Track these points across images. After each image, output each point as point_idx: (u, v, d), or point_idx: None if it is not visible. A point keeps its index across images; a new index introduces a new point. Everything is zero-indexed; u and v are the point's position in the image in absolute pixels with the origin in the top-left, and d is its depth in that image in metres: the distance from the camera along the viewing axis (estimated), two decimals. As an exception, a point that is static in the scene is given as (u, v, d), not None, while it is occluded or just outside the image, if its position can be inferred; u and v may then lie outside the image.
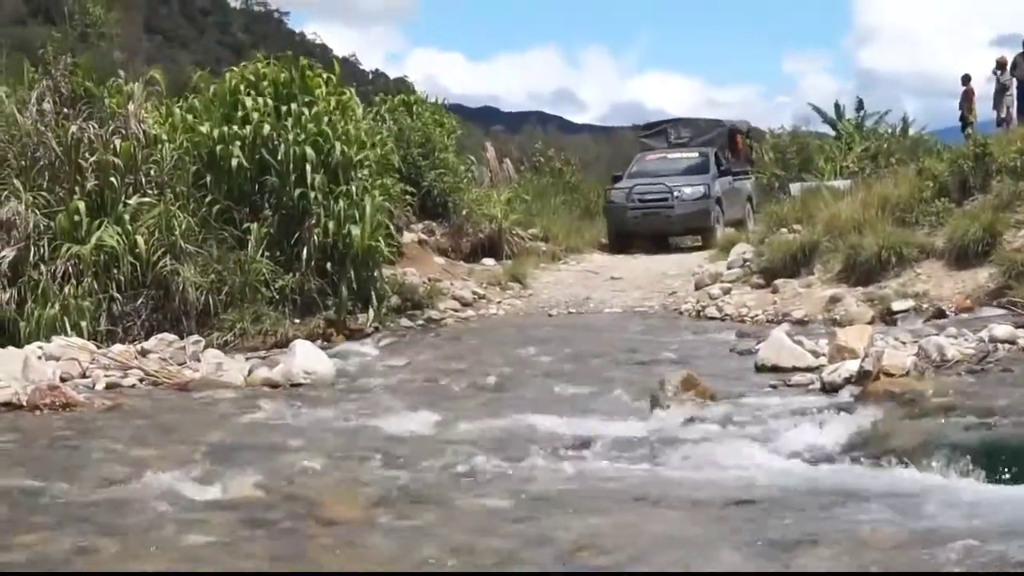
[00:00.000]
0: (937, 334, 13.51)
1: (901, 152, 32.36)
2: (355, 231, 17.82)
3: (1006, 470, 7.69)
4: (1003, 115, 28.58)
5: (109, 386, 12.64)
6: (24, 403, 11.12)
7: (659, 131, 34.36)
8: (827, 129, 40.74)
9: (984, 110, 30.40)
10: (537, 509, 7.51)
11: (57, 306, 14.92)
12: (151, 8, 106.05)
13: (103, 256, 15.72)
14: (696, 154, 30.83)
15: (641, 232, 28.35)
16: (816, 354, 13.35)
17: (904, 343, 13.50)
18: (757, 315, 19.05)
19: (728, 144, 32.87)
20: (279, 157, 17.94)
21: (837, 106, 40.59)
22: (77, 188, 16.32)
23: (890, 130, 38.83)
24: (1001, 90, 28.98)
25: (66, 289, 15.19)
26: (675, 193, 27.93)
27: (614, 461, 8.79)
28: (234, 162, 17.72)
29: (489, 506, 7.63)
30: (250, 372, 13.38)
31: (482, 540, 6.80)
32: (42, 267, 15.40)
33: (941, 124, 38.34)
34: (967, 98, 30.06)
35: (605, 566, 6.24)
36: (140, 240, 15.97)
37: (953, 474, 7.74)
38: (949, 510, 6.98)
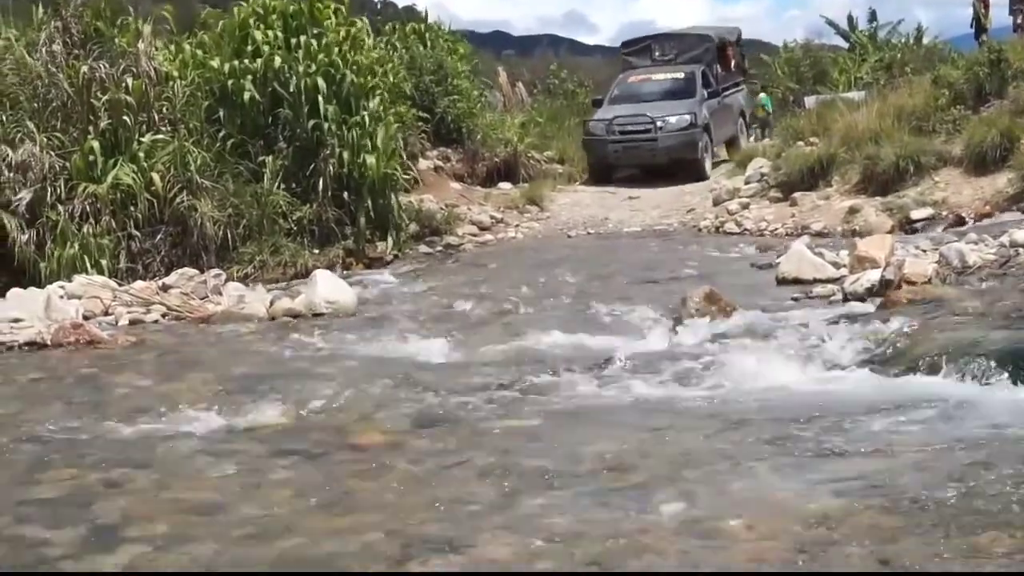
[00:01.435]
0: (957, 241, 13.50)
1: (915, 61, 32.15)
2: (370, 160, 17.79)
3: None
4: (1019, 21, 28.24)
5: (132, 322, 12.69)
6: (48, 342, 11.17)
7: (643, 47, 31.03)
8: (840, 41, 40.53)
9: (999, 17, 30.08)
10: (564, 428, 7.54)
11: (76, 245, 14.97)
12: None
13: (120, 194, 15.75)
14: (682, 74, 27.94)
15: (623, 165, 26.28)
16: (837, 265, 13.35)
17: (925, 251, 13.53)
18: (776, 229, 19.05)
19: (718, 57, 29.95)
20: (291, 89, 17.91)
21: (850, 18, 40.35)
22: (91, 128, 16.32)
23: (904, 40, 38.60)
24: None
25: (84, 228, 15.23)
26: (658, 123, 25.47)
27: (639, 378, 8.79)
28: (246, 96, 17.69)
29: (515, 426, 7.65)
30: (272, 303, 13.39)
31: (509, 460, 6.82)
32: (59, 207, 15.43)
33: (955, 32, 37.98)
34: (984, 3, 29.62)
35: (634, 484, 6.25)
36: (156, 177, 15.98)
37: (978, 380, 7.71)
38: (975, 415, 6.99)
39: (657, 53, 30.06)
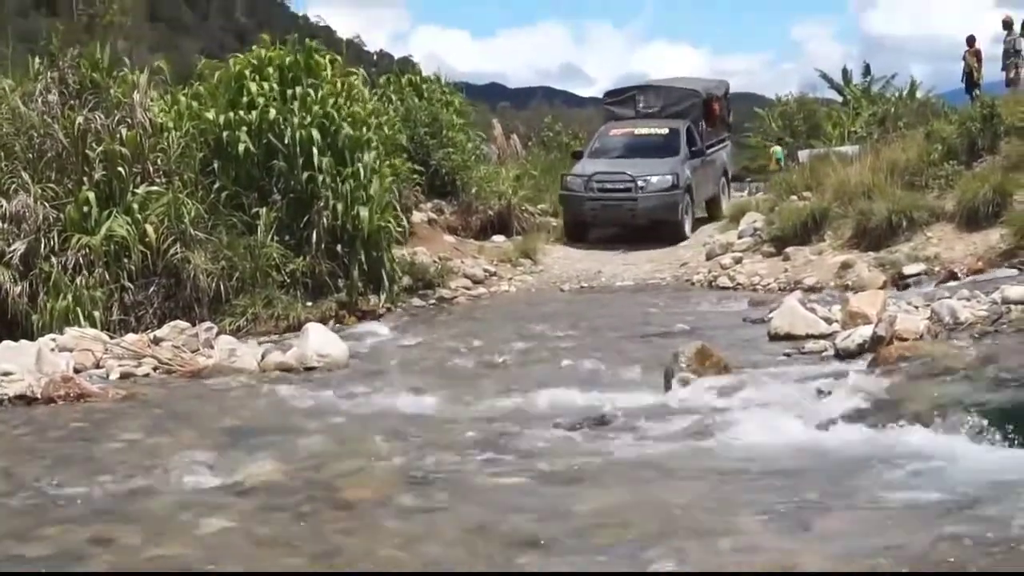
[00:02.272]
0: (949, 297, 13.52)
1: (909, 115, 32.31)
2: (364, 212, 17.81)
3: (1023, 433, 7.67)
4: (1011, 75, 28.38)
5: (123, 376, 12.63)
6: (39, 395, 11.10)
7: (627, 98, 29.55)
8: (834, 95, 40.76)
9: (991, 71, 30.24)
10: (554, 485, 7.52)
11: (69, 297, 14.91)
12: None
13: (113, 246, 15.71)
14: (666, 129, 26.68)
15: (600, 224, 25.16)
16: (829, 321, 13.36)
17: (917, 307, 13.52)
18: (769, 283, 19.12)
19: (704, 112, 28.56)
20: (286, 141, 17.92)
21: (844, 71, 40.71)
22: (85, 179, 16.29)
23: (897, 94, 38.83)
24: (1010, 51, 28.67)
25: (77, 280, 15.18)
26: (639, 183, 24.29)
27: (630, 435, 8.80)
28: (241, 147, 17.70)
29: (505, 484, 7.63)
30: (263, 357, 13.37)
31: (499, 518, 6.80)
32: (53, 259, 15.39)
33: (948, 87, 38.14)
34: (976, 57, 29.68)
35: (625, 540, 6.23)
36: (150, 229, 15.96)
37: (969, 436, 7.72)
38: (966, 474, 6.99)
39: (641, 105, 28.76)
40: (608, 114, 29.62)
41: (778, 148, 33.98)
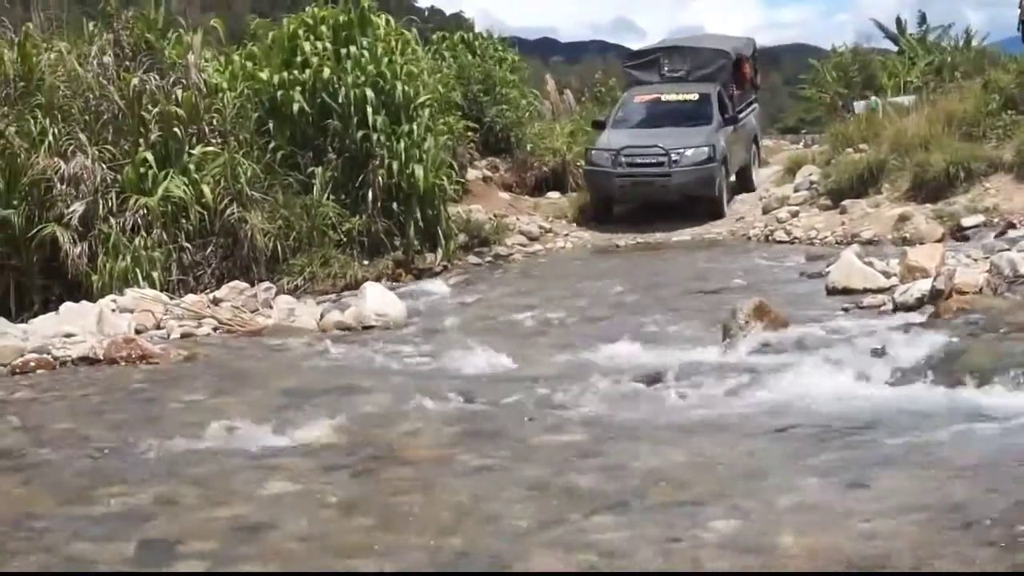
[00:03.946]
0: (1009, 249, 13.38)
1: (965, 65, 31.94)
2: (419, 170, 17.84)
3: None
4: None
5: (184, 336, 12.73)
6: (101, 357, 11.20)
7: (651, 60, 26.74)
8: (889, 45, 40.30)
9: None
10: (612, 442, 7.53)
11: (128, 258, 15.04)
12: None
13: (171, 207, 15.82)
14: (696, 95, 24.41)
15: (630, 202, 23.20)
16: (887, 274, 13.27)
17: (976, 260, 13.44)
18: (826, 237, 18.99)
19: (733, 74, 25.99)
20: (340, 100, 17.99)
21: (899, 21, 40.10)
22: (141, 140, 16.41)
23: (953, 43, 38.39)
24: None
25: (136, 241, 15.29)
26: (673, 156, 22.01)
27: (688, 391, 8.79)
28: (295, 107, 17.77)
29: (564, 441, 7.66)
30: (322, 316, 13.45)
31: (559, 475, 6.83)
32: (111, 220, 15.51)
33: (1004, 34, 37.66)
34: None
35: (682, 500, 6.24)
36: (206, 189, 16.06)
37: (1028, 393, 7.68)
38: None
39: (666, 68, 26.15)
40: (630, 79, 27.16)
41: (874, 99, 33.34)
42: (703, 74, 25.41)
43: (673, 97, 24.66)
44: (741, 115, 25.39)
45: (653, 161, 22.23)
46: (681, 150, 22.06)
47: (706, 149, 22.24)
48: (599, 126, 24.97)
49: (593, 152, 23.19)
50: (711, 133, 22.88)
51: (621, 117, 24.52)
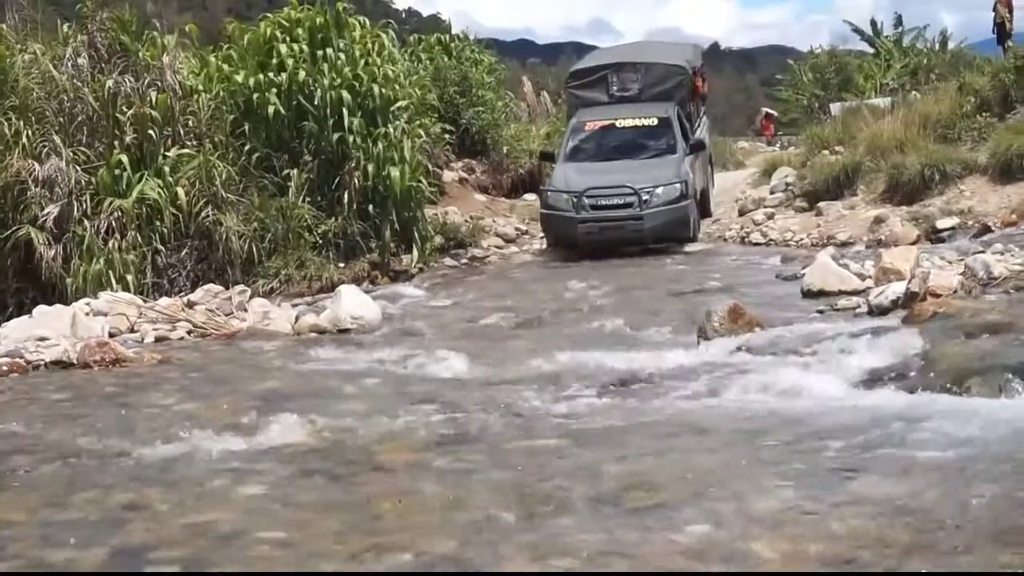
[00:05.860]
0: (983, 251, 13.44)
1: (941, 67, 32.10)
2: (395, 173, 17.86)
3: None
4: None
5: (158, 339, 12.73)
6: (75, 360, 11.19)
7: (597, 79, 23.86)
8: (865, 47, 40.49)
9: (1022, 21, 29.93)
10: (586, 446, 7.51)
11: (102, 261, 15.04)
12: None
13: (145, 209, 15.84)
14: (655, 120, 21.89)
15: (596, 246, 19.63)
16: (862, 277, 13.31)
17: (950, 262, 13.46)
18: (802, 239, 19.08)
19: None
20: (316, 102, 18.00)
21: (874, 23, 40.35)
22: (116, 142, 16.41)
23: (929, 45, 38.58)
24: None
25: (110, 243, 15.30)
26: (643, 196, 19.71)
27: (663, 394, 8.81)
28: (271, 109, 17.78)
29: (539, 445, 7.64)
30: (297, 319, 13.44)
31: (533, 479, 6.81)
32: (86, 222, 15.49)
33: (980, 37, 37.89)
34: (1008, 7, 29.37)
35: (657, 504, 6.24)
36: (181, 192, 16.06)
37: (1004, 395, 7.68)
38: (1000, 433, 6.94)
39: (615, 87, 23.47)
40: (573, 100, 24.38)
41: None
42: (657, 92, 23.12)
43: (629, 123, 22.24)
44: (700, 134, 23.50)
45: (621, 203, 19.93)
46: (651, 188, 19.91)
47: (678, 185, 20.22)
48: (548, 158, 23.26)
49: (550, 194, 20.78)
50: (679, 164, 20.82)
51: (573, 147, 22.05)
